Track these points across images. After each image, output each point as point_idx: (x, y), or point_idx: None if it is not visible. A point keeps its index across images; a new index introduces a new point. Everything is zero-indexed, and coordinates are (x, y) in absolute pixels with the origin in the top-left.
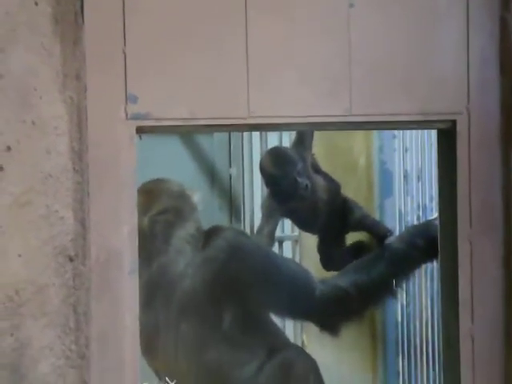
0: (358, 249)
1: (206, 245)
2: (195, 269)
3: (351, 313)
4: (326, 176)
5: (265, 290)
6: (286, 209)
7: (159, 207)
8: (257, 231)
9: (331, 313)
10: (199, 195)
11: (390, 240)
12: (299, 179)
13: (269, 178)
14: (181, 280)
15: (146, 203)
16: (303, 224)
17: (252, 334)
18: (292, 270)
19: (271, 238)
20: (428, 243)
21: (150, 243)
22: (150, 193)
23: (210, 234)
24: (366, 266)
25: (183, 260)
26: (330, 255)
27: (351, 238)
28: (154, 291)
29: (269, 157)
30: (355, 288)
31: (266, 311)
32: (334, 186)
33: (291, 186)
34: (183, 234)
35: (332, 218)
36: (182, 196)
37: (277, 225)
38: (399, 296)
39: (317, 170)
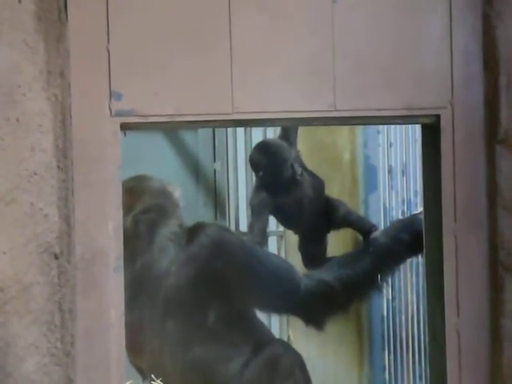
0: None
1: (190, 242)
2: (179, 266)
3: (336, 307)
4: (310, 173)
5: (249, 286)
6: (274, 204)
7: (141, 206)
8: (248, 228)
9: (316, 307)
10: (180, 191)
11: (374, 235)
12: (295, 165)
13: (263, 169)
14: (165, 278)
15: (129, 202)
16: (288, 221)
17: (237, 330)
18: (276, 265)
19: (263, 234)
20: (413, 238)
21: (134, 242)
22: (131, 191)
23: (194, 231)
24: (350, 261)
25: (167, 258)
26: (312, 254)
27: (334, 237)
28: (138, 290)
29: (261, 149)
30: (340, 282)
31: (250, 307)
32: (318, 183)
33: (287, 172)
34: (166, 231)
35: (315, 215)
36: (164, 193)
37: (267, 221)
38: (384, 290)
39: (301, 166)
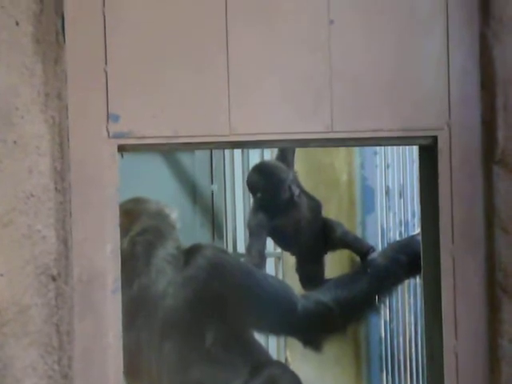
0: None
1: (187, 263)
2: (176, 288)
3: (333, 328)
4: (307, 194)
5: (246, 307)
6: (272, 226)
7: (138, 227)
8: (246, 250)
9: (313, 328)
10: (177, 213)
11: (372, 256)
12: (293, 187)
13: (261, 190)
14: (162, 299)
15: (126, 224)
16: (285, 242)
17: (235, 351)
18: (273, 286)
19: (261, 256)
20: (411, 259)
21: (131, 264)
22: (128, 213)
23: (191, 252)
24: (348, 282)
25: (164, 279)
26: (309, 275)
27: (331, 258)
28: (135, 312)
29: (258, 170)
30: (337, 303)
31: (248, 328)
32: (315, 205)
33: (285, 194)
34: (163, 253)
35: (312, 237)
36: (161, 215)
37: (265, 243)
38: (382, 311)
39: (299, 187)
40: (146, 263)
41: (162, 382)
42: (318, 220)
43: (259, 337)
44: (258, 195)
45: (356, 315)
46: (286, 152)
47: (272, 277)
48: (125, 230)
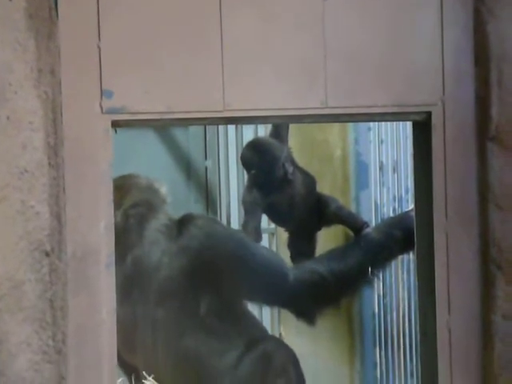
0: None
1: (180, 233)
2: (171, 258)
3: (327, 299)
4: (301, 170)
5: (239, 276)
6: (266, 202)
7: (130, 201)
8: (242, 227)
9: (307, 299)
10: (167, 187)
11: (366, 231)
12: (286, 164)
13: (255, 167)
14: (157, 270)
15: (117, 198)
16: (280, 218)
17: (229, 322)
18: (265, 256)
19: (257, 232)
20: (404, 234)
21: (125, 236)
22: (119, 188)
23: (183, 223)
24: (342, 254)
25: (158, 250)
26: (300, 251)
27: (326, 234)
28: (131, 284)
29: (252, 147)
30: (331, 273)
31: (241, 298)
32: (309, 181)
33: (279, 171)
34: (156, 224)
35: (306, 213)
36: (151, 189)
37: (260, 219)
38: (375, 285)
39: (293, 163)
40: (139, 235)
41: (156, 353)
42: (313, 196)
43: (254, 312)
44: (252, 172)
45: (349, 286)
46: (279, 128)
47: (264, 247)
48: (117, 204)
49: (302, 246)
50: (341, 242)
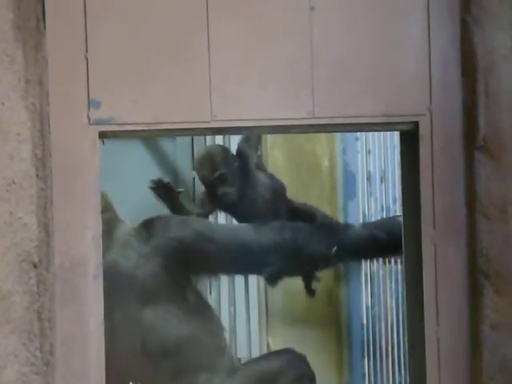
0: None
1: (151, 235)
2: (147, 258)
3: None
4: (271, 176)
5: (210, 254)
6: (229, 206)
7: None
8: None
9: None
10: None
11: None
12: (219, 186)
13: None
14: (135, 271)
15: None
16: (241, 220)
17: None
18: (227, 227)
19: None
20: (388, 237)
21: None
22: None
23: (148, 226)
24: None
25: (132, 252)
26: None
27: None
28: (110, 287)
29: (198, 158)
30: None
31: (218, 272)
32: (278, 187)
33: (212, 190)
34: (125, 228)
35: (274, 217)
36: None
37: (210, 213)
38: (334, 264)
39: (261, 169)
40: (110, 239)
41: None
42: (281, 201)
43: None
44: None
45: (310, 258)
46: (249, 135)
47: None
48: None
49: None
50: None
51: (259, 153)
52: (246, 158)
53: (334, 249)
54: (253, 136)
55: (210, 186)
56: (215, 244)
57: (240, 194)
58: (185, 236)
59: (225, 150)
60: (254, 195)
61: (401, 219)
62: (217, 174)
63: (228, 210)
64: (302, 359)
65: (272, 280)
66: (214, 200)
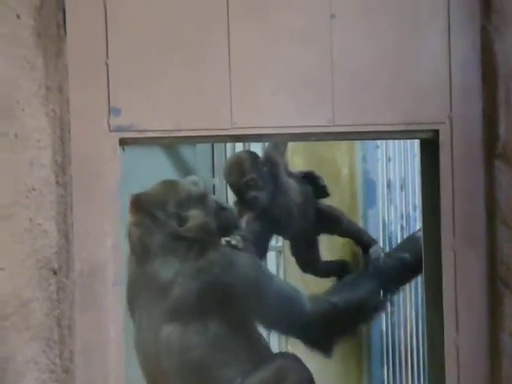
0: (340, 267)
1: (200, 255)
2: (186, 277)
3: (342, 329)
4: (298, 180)
5: (256, 306)
6: (262, 211)
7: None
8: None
9: (322, 330)
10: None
11: (374, 249)
12: (248, 191)
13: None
14: (171, 286)
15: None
16: (276, 226)
17: (239, 343)
18: (283, 288)
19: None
20: (413, 257)
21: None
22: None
23: (205, 246)
24: (354, 282)
25: (174, 267)
26: (305, 258)
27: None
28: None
29: (226, 164)
30: (345, 304)
31: (255, 325)
32: (306, 190)
33: (242, 195)
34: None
35: (303, 221)
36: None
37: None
38: (388, 309)
39: (289, 174)
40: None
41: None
42: (310, 204)
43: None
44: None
45: (364, 315)
46: (277, 142)
47: (282, 280)
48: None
49: (304, 252)
50: (349, 248)
51: (315, 175)
52: (275, 163)
53: (381, 294)
54: (281, 142)
55: (240, 191)
56: (265, 301)
57: (270, 199)
58: (236, 277)
59: (253, 155)
60: (285, 200)
61: (420, 234)
62: (245, 179)
63: (258, 216)
64: (299, 362)
65: (323, 350)
66: (244, 206)
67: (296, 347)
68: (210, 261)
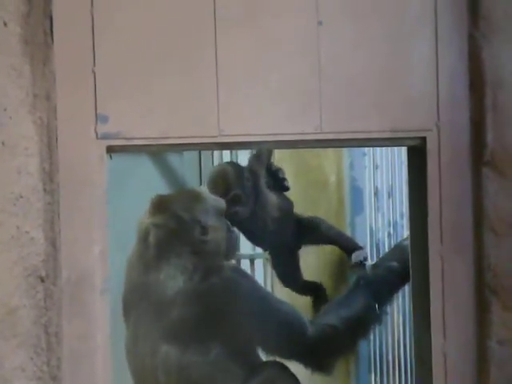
0: (316, 289)
1: (203, 279)
2: (187, 300)
3: (343, 348)
4: (280, 194)
5: (257, 331)
6: (241, 223)
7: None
8: None
9: (324, 352)
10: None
11: (357, 254)
12: (232, 206)
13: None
14: (171, 304)
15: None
16: (252, 238)
17: (238, 363)
18: (285, 312)
19: None
20: (402, 265)
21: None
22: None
23: (209, 268)
24: (348, 300)
25: (177, 284)
26: (285, 272)
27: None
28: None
29: (211, 177)
30: (343, 323)
31: (256, 349)
32: (286, 204)
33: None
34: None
35: (282, 234)
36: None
37: None
38: (384, 320)
39: (270, 187)
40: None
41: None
42: (289, 218)
43: None
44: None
45: (363, 330)
46: (260, 151)
47: (285, 303)
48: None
49: (283, 265)
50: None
51: (275, 168)
52: (257, 176)
53: (377, 307)
54: (263, 153)
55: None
56: (266, 326)
57: (250, 212)
58: (238, 303)
59: (238, 168)
60: (262, 214)
61: (406, 242)
62: (230, 195)
63: (240, 228)
64: (286, 370)
65: (325, 371)
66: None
67: None
68: (212, 285)
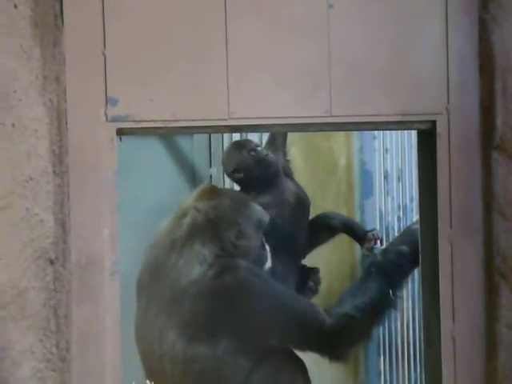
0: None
1: (216, 277)
2: (199, 291)
3: (359, 337)
4: (298, 185)
5: (274, 328)
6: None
7: None
8: None
9: (343, 343)
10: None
11: (369, 237)
12: (233, 173)
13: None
14: (183, 293)
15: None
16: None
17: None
18: (301, 308)
19: None
20: (412, 249)
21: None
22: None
23: (225, 265)
24: (361, 288)
25: (192, 274)
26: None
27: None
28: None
29: (224, 152)
30: (359, 312)
31: (269, 343)
32: (303, 195)
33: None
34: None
35: (297, 232)
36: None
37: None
38: (398, 305)
39: (288, 174)
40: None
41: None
42: (305, 213)
43: None
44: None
45: (378, 317)
46: (274, 136)
47: (301, 297)
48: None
49: (284, 269)
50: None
51: (288, 158)
52: (271, 164)
53: (391, 293)
54: (277, 137)
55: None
56: (282, 322)
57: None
58: (251, 303)
59: (246, 143)
60: (281, 197)
61: (415, 226)
62: (232, 165)
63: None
64: (292, 354)
65: (342, 360)
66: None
67: None
68: (225, 284)
